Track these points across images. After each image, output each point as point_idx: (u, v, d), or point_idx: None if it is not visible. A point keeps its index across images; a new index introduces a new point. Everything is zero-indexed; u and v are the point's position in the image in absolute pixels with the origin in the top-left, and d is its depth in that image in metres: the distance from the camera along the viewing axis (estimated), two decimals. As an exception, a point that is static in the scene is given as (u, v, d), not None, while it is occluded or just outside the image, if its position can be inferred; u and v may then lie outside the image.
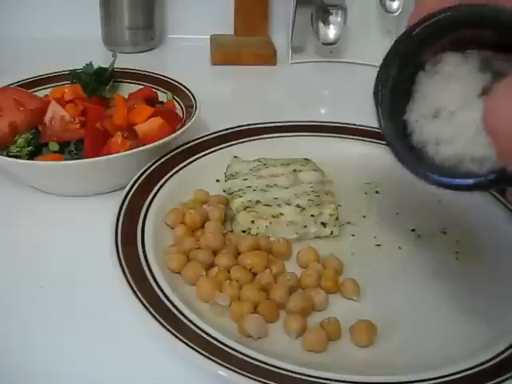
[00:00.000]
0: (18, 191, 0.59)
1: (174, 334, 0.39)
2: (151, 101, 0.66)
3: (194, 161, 0.59)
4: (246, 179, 0.56)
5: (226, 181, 0.57)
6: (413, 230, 0.53)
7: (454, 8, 0.36)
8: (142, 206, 0.52)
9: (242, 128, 0.64)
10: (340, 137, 0.65)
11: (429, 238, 0.52)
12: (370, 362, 0.41)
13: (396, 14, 0.87)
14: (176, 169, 0.57)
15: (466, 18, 0.36)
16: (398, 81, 0.40)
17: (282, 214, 0.51)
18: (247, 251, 0.48)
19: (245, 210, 0.51)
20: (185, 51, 0.99)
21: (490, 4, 0.35)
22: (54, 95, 0.66)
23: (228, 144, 0.62)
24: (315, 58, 0.95)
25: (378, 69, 0.40)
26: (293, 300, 0.44)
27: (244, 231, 0.51)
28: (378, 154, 0.61)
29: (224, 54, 0.94)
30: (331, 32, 0.91)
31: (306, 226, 0.51)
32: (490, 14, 0.35)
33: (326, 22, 0.90)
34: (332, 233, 0.52)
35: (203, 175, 0.58)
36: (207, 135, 0.63)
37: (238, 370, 0.36)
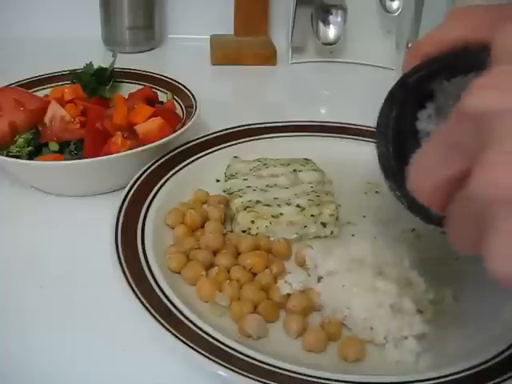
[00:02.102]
0: (18, 191, 0.59)
1: (173, 334, 0.39)
2: (151, 101, 0.66)
3: (194, 161, 0.59)
4: (246, 179, 0.56)
5: (225, 181, 0.57)
6: (413, 230, 0.53)
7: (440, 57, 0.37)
8: (142, 206, 0.52)
9: (242, 128, 0.64)
10: (340, 137, 0.65)
11: (429, 238, 0.52)
12: (369, 361, 0.41)
13: (396, 14, 0.87)
14: (176, 169, 0.57)
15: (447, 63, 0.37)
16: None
17: (281, 213, 0.51)
18: (247, 251, 0.48)
19: (245, 209, 0.51)
20: (185, 51, 0.99)
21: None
22: (53, 95, 0.66)
23: (228, 144, 0.62)
24: (315, 58, 0.95)
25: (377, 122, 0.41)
26: (293, 300, 0.44)
27: (244, 231, 0.51)
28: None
29: (224, 54, 0.94)
30: (331, 32, 0.91)
31: (306, 226, 0.51)
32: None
33: (326, 22, 0.91)
34: (332, 233, 0.52)
35: (203, 175, 0.58)
36: (207, 135, 0.63)
37: (237, 370, 0.37)
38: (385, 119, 0.41)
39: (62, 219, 0.56)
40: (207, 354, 0.37)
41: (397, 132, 0.41)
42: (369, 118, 0.65)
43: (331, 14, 0.90)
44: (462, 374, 0.38)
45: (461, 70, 0.38)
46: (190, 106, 0.65)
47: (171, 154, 0.59)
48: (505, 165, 0.25)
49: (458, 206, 0.29)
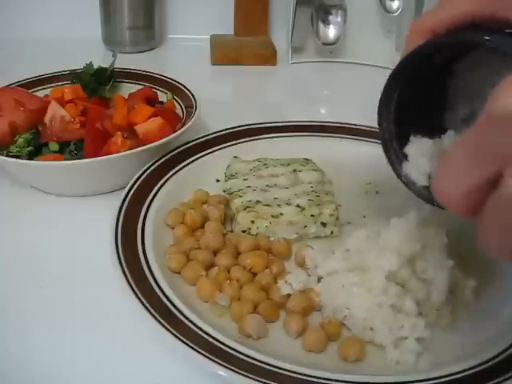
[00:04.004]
0: (18, 191, 0.59)
1: (173, 334, 0.39)
2: (151, 101, 0.66)
3: (194, 161, 0.59)
4: (246, 179, 0.56)
5: (225, 181, 0.57)
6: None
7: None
8: (142, 206, 0.52)
9: (242, 128, 0.64)
10: (340, 137, 0.65)
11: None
12: (369, 361, 0.41)
13: (396, 13, 0.88)
14: (176, 169, 0.57)
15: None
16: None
17: (281, 213, 0.51)
18: (247, 251, 0.48)
19: (245, 209, 0.51)
20: (185, 51, 0.99)
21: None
22: (53, 95, 0.66)
23: (228, 144, 0.62)
24: (315, 58, 0.95)
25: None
26: (293, 300, 0.44)
27: (244, 231, 0.51)
28: (378, 154, 0.60)
29: (224, 54, 0.94)
30: (331, 32, 0.91)
31: (306, 226, 0.51)
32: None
33: (326, 22, 0.91)
34: (332, 233, 0.52)
35: (203, 175, 0.58)
36: (207, 135, 0.63)
37: (237, 370, 0.37)
38: (387, 99, 0.41)
39: (62, 219, 0.56)
40: (207, 354, 0.37)
41: (399, 111, 0.41)
42: (369, 117, 0.65)
43: (331, 14, 0.90)
44: (462, 374, 0.38)
45: (469, 49, 0.38)
46: (189, 105, 0.65)
47: (171, 154, 0.59)
48: None
49: (491, 210, 0.28)
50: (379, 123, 0.43)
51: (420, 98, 0.42)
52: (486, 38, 0.34)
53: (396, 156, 0.43)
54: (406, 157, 0.42)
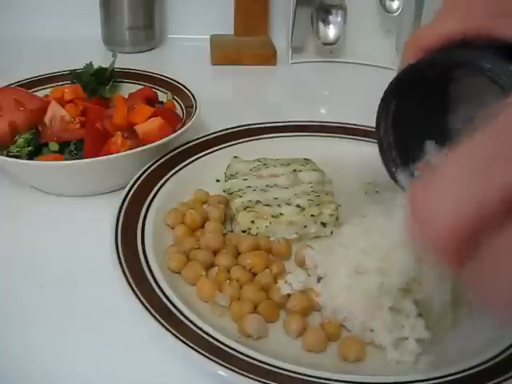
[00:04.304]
0: (18, 191, 0.59)
1: (173, 334, 0.39)
2: (151, 101, 0.66)
3: (194, 161, 0.59)
4: (246, 179, 0.56)
5: (225, 181, 0.57)
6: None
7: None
8: (142, 206, 0.52)
9: (242, 128, 0.64)
10: (340, 137, 0.65)
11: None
12: (369, 362, 0.41)
13: (396, 13, 0.88)
14: (176, 169, 0.57)
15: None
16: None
17: (281, 213, 0.51)
18: (247, 251, 0.48)
19: (245, 209, 0.51)
20: (185, 51, 0.99)
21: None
22: (53, 95, 0.66)
23: (228, 144, 0.62)
24: (315, 58, 0.95)
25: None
26: (293, 300, 0.44)
27: (244, 231, 0.51)
28: (378, 154, 0.60)
29: (224, 54, 0.94)
30: (331, 32, 0.91)
31: (306, 226, 0.51)
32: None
33: (326, 22, 0.91)
34: (332, 233, 0.52)
35: (203, 175, 0.58)
36: (207, 135, 0.63)
37: (237, 370, 0.37)
38: (385, 111, 0.41)
39: (62, 219, 0.56)
40: (207, 354, 0.37)
41: (399, 119, 0.42)
42: (369, 117, 0.65)
43: (331, 14, 0.90)
44: (462, 374, 0.38)
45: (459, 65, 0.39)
46: (190, 105, 0.65)
47: (171, 154, 0.59)
48: None
49: (494, 252, 0.21)
50: (377, 131, 0.43)
51: (420, 103, 0.43)
52: (471, 60, 0.36)
53: (393, 162, 0.43)
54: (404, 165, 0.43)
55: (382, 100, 0.42)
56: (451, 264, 0.22)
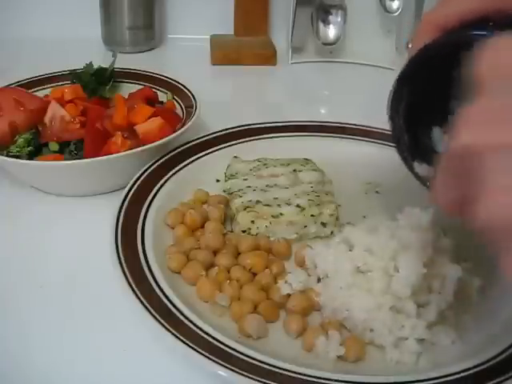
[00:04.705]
0: (18, 191, 0.59)
1: (173, 334, 0.39)
2: (151, 101, 0.66)
3: (194, 161, 0.59)
4: (246, 179, 0.56)
5: (225, 181, 0.57)
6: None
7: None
8: (142, 206, 0.52)
9: (242, 128, 0.64)
10: (340, 137, 0.65)
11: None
12: (369, 361, 0.41)
13: (396, 13, 0.88)
14: (176, 169, 0.57)
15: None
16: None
17: (281, 213, 0.51)
18: (247, 251, 0.48)
19: (245, 209, 0.51)
20: (185, 51, 0.99)
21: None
22: (53, 95, 0.66)
23: (228, 144, 0.62)
24: (315, 58, 0.95)
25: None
26: (293, 300, 0.44)
27: (244, 231, 0.51)
28: (378, 154, 0.61)
29: (224, 54, 0.94)
30: (331, 32, 0.91)
31: (306, 226, 0.51)
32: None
33: (326, 22, 0.91)
34: (332, 233, 0.52)
35: (203, 175, 0.58)
36: (207, 135, 0.63)
37: (237, 370, 0.37)
38: (397, 96, 0.41)
39: (62, 219, 0.56)
40: (207, 354, 0.37)
41: (410, 106, 0.41)
42: (369, 117, 0.65)
43: (331, 14, 0.90)
44: (462, 374, 0.38)
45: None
46: (190, 105, 0.65)
47: (171, 154, 0.59)
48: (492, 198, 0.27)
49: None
50: (390, 118, 0.42)
51: (432, 88, 0.42)
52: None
53: (408, 152, 0.43)
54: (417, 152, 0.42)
55: (397, 82, 0.41)
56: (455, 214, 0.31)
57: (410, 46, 0.87)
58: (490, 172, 0.27)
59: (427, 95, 0.42)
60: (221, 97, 0.84)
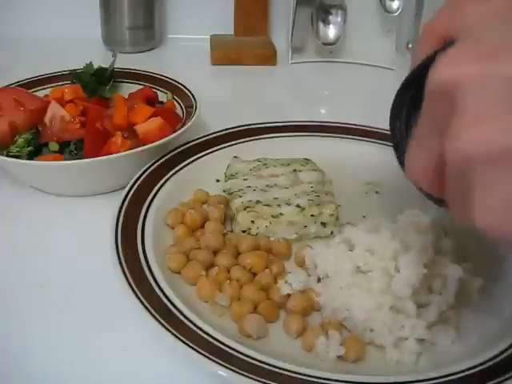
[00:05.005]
0: (18, 191, 0.59)
1: (174, 334, 0.39)
2: (151, 101, 0.66)
3: (194, 161, 0.59)
4: (246, 179, 0.56)
5: (225, 181, 0.57)
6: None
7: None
8: (142, 206, 0.52)
9: (242, 128, 0.64)
10: (340, 137, 0.65)
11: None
12: (369, 361, 0.41)
13: (396, 13, 0.88)
14: (176, 169, 0.57)
15: None
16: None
17: (281, 213, 0.51)
18: (247, 251, 0.48)
19: (245, 209, 0.51)
20: (185, 51, 0.99)
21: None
22: (53, 95, 0.66)
23: (228, 144, 0.62)
24: (315, 58, 0.95)
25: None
26: (293, 300, 0.44)
27: (244, 231, 0.51)
28: (378, 154, 0.61)
29: (224, 54, 0.94)
30: (331, 32, 0.91)
31: (306, 226, 0.51)
32: None
33: (326, 22, 0.91)
34: (332, 233, 0.52)
35: (203, 175, 0.58)
36: (207, 135, 0.63)
37: (237, 370, 0.37)
38: (399, 105, 0.41)
39: (62, 219, 0.56)
40: (207, 354, 0.37)
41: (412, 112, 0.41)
42: (369, 117, 0.65)
43: (331, 14, 0.90)
44: (462, 374, 0.38)
45: None
46: (190, 105, 0.65)
47: (171, 154, 0.59)
48: (468, 127, 0.26)
49: (448, 182, 0.30)
50: (392, 124, 0.42)
51: None
52: None
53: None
54: None
55: (399, 88, 0.41)
56: (434, 191, 0.32)
57: (410, 46, 0.87)
58: (471, 103, 0.26)
59: None
60: (221, 97, 0.84)
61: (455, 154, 0.27)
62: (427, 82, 0.28)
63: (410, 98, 0.40)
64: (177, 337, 0.38)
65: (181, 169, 0.58)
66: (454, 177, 0.29)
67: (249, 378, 0.36)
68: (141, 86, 0.69)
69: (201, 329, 0.40)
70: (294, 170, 0.57)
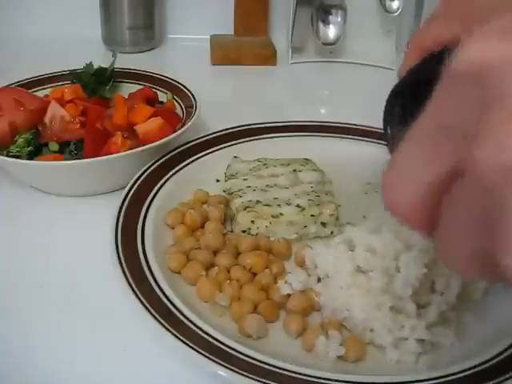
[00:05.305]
0: (18, 191, 0.59)
1: (174, 334, 0.39)
2: (151, 101, 0.66)
3: (194, 161, 0.59)
4: (246, 179, 0.56)
5: (225, 181, 0.57)
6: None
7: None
8: (142, 206, 0.52)
9: (242, 128, 0.64)
10: (340, 137, 0.65)
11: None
12: (369, 361, 0.41)
13: (396, 13, 0.88)
14: (176, 169, 0.57)
15: None
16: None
17: (281, 213, 0.51)
18: (247, 251, 0.48)
19: (245, 209, 0.51)
20: (185, 51, 0.99)
21: None
22: (53, 95, 0.66)
23: (228, 144, 0.62)
24: (315, 58, 0.95)
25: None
26: (293, 300, 0.44)
27: (244, 231, 0.51)
28: (378, 154, 0.60)
29: (224, 54, 0.94)
30: (331, 32, 0.91)
31: (306, 226, 0.51)
32: None
33: (326, 22, 0.91)
34: (332, 233, 0.52)
35: (203, 175, 0.58)
36: (207, 135, 0.63)
37: (237, 370, 0.37)
38: (391, 108, 0.41)
39: (62, 219, 0.56)
40: (207, 354, 0.37)
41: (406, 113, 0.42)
42: (369, 117, 0.65)
43: (331, 14, 0.90)
44: (462, 374, 0.38)
45: None
46: (190, 106, 0.65)
47: (171, 154, 0.59)
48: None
49: (452, 207, 0.22)
50: (384, 128, 0.43)
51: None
52: None
53: None
54: None
55: (387, 102, 0.41)
56: (422, 227, 0.24)
57: (409, 46, 0.87)
58: None
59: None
60: (221, 97, 0.84)
61: (488, 165, 0.19)
62: (447, 67, 0.22)
63: (401, 103, 0.41)
64: (177, 337, 0.38)
65: (181, 169, 0.58)
66: (475, 200, 0.21)
67: (249, 377, 0.36)
68: (141, 86, 0.69)
69: (201, 329, 0.40)
70: (294, 170, 0.57)
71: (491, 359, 0.39)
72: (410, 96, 0.41)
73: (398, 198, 0.24)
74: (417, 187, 0.23)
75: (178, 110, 0.66)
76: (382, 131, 0.43)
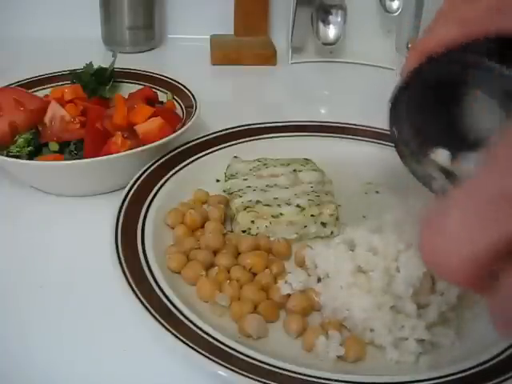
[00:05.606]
0: (18, 191, 0.59)
1: (174, 334, 0.39)
2: (151, 101, 0.66)
3: (194, 161, 0.59)
4: (246, 179, 0.56)
5: (225, 181, 0.57)
6: (413, 230, 0.53)
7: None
8: (142, 206, 0.52)
9: (242, 128, 0.64)
10: (340, 137, 0.65)
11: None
12: (369, 361, 0.41)
13: (396, 13, 0.88)
14: (176, 169, 0.57)
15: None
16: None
17: (281, 214, 0.51)
18: (247, 251, 0.48)
19: (245, 209, 0.51)
20: (185, 51, 0.99)
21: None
22: (53, 95, 0.66)
23: (228, 144, 0.62)
24: (315, 58, 0.96)
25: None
26: (293, 300, 0.44)
27: (244, 231, 0.51)
28: (378, 154, 0.61)
29: (224, 54, 0.94)
30: (331, 32, 0.91)
31: (306, 226, 0.51)
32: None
33: (326, 22, 0.91)
34: (332, 233, 0.52)
35: (203, 175, 0.58)
36: (207, 135, 0.63)
37: (237, 370, 0.37)
38: (398, 103, 0.41)
39: (62, 219, 0.56)
40: (207, 354, 0.37)
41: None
42: (369, 117, 0.65)
43: (331, 14, 0.90)
44: (462, 374, 0.38)
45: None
46: (190, 106, 0.65)
47: (171, 153, 0.59)
48: None
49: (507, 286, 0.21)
50: (390, 128, 0.43)
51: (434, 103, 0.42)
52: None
53: (410, 153, 0.43)
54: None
55: (391, 101, 0.41)
56: (474, 291, 0.23)
57: (409, 46, 0.87)
58: None
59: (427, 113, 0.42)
60: (221, 97, 0.84)
61: None
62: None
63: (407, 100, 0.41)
64: (177, 337, 0.38)
65: (181, 169, 0.58)
66: None
67: (249, 377, 0.36)
68: (141, 86, 0.69)
69: (201, 329, 0.40)
70: (294, 170, 0.57)
71: (491, 359, 0.39)
72: (416, 95, 0.41)
73: (447, 262, 0.22)
74: (470, 254, 0.21)
75: (178, 110, 0.66)
76: (387, 132, 0.43)
